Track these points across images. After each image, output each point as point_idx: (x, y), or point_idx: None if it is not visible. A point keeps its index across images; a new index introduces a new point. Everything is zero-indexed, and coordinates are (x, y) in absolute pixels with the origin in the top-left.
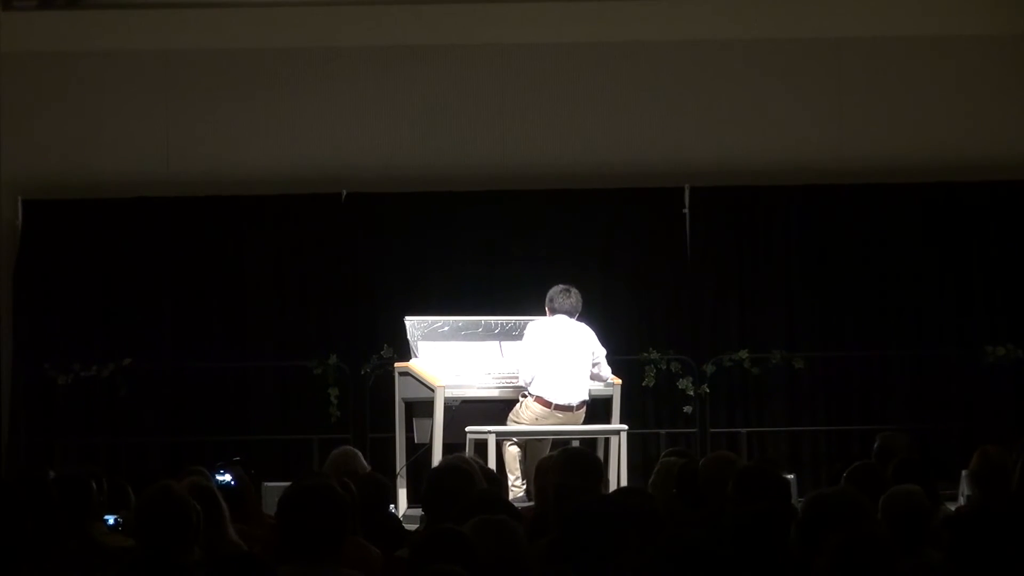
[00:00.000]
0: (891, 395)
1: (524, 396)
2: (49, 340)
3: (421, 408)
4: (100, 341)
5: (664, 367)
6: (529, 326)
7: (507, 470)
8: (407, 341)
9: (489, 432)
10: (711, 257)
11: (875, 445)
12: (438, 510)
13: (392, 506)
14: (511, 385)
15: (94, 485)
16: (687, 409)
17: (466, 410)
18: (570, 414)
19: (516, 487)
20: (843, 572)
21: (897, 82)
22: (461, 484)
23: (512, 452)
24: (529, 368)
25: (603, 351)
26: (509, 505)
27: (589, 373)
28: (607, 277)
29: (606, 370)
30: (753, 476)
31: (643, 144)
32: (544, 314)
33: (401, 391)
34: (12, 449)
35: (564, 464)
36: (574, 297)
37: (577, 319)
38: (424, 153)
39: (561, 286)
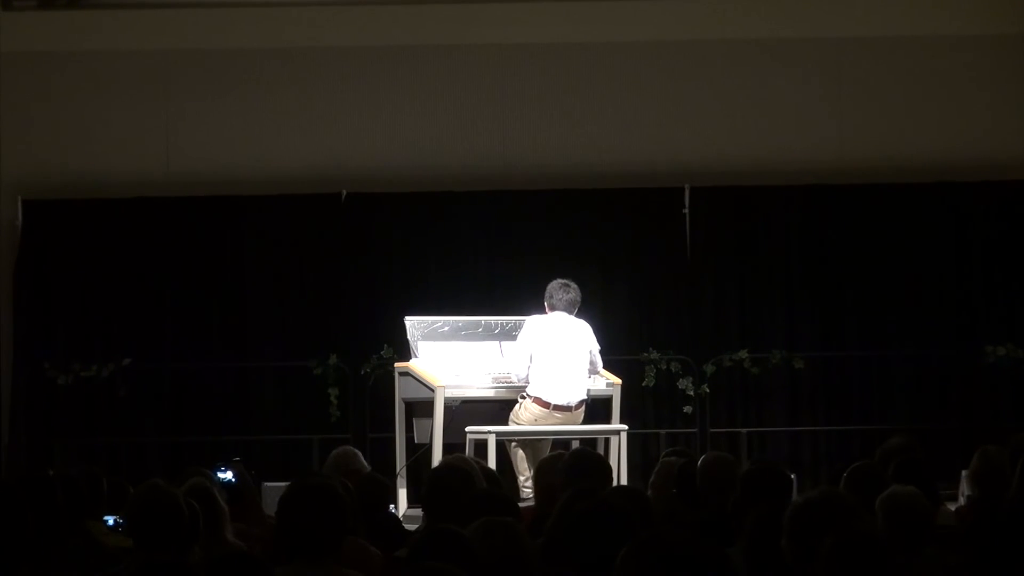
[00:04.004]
0: (891, 395)
1: (523, 397)
2: (49, 340)
3: (421, 408)
4: (100, 341)
5: (664, 367)
6: (526, 322)
7: (516, 472)
8: (407, 341)
9: (489, 432)
10: (711, 257)
11: (880, 447)
12: (438, 510)
13: (392, 506)
14: (511, 385)
15: (94, 484)
16: (687, 409)
17: (466, 410)
18: (569, 414)
19: (527, 488)
20: (841, 573)
21: (897, 82)
22: (461, 484)
23: (519, 454)
24: (520, 364)
25: (598, 347)
26: (509, 505)
27: (587, 372)
28: (607, 277)
29: (599, 364)
30: (759, 476)
31: (643, 144)
32: (542, 309)
33: (401, 391)
34: (12, 449)
35: (573, 466)
36: (573, 292)
37: (576, 315)
38: (424, 153)
39: (560, 280)
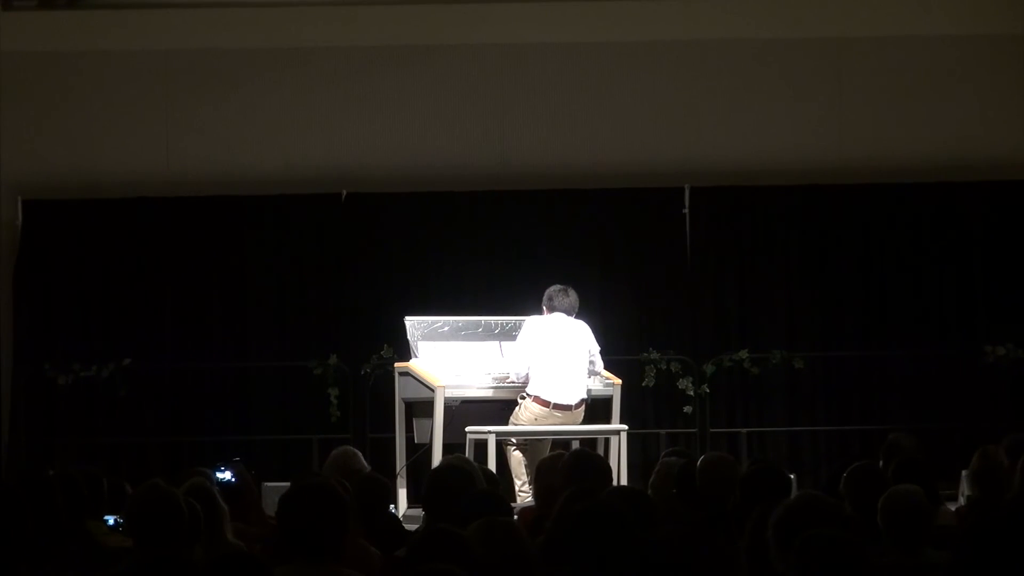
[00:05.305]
0: (891, 395)
1: (523, 397)
2: (49, 340)
3: (421, 408)
4: (100, 341)
5: (664, 367)
6: (526, 322)
7: (513, 475)
8: (407, 341)
9: (489, 432)
10: (711, 257)
11: (886, 443)
12: (438, 510)
13: (392, 506)
14: (511, 385)
15: (94, 484)
16: (687, 409)
17: (466, 410)
18: (568, 413)
19: (524, 492)
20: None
21: (897, 82)
22: (461, 484)
23: (516, 456)
24: (520, 363)
25: (598, 348)
26: (508, 506)
27: (587, 371)
28: (607, 277)
29: (600, 364)
30: (759, 476)
31: (643, 144)
32: (542, 310)
33: (401, 391)
34: (12, 449)
35: (573, 466)
36: (572, 297)
37: (575, 318)
38: (424, 153)
39: (559, 286)
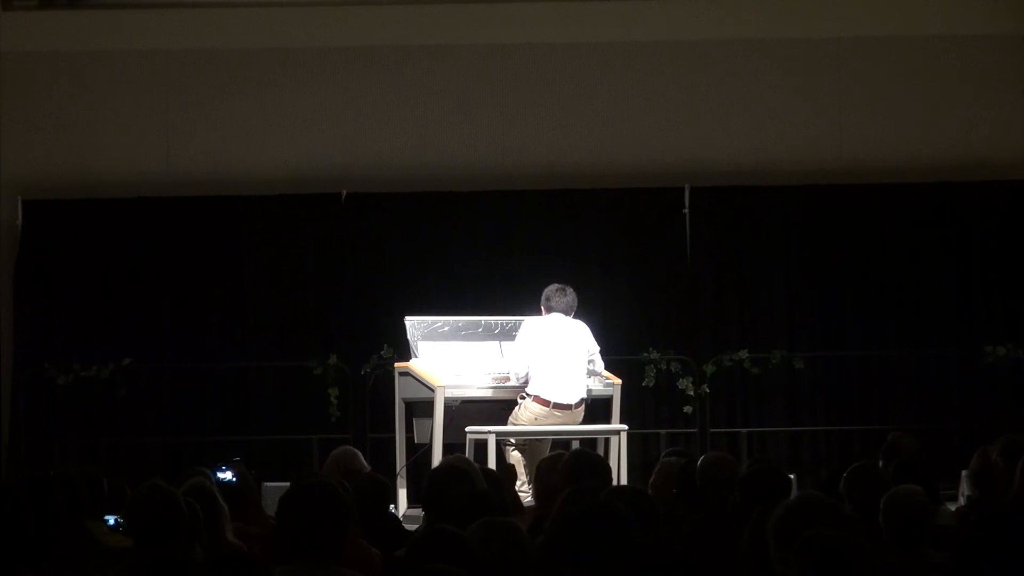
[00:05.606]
0: (891, 395)
1: (522, 397)
2: (49, 340)
3: (421, 408)
4: (100, 341)
5: (664, 367)
6: (523, 324)
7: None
8: (407, 341)
9: (489, 432)
10: (711, 257)
11: (884, 444)
12: (438, 510)
13: (392, 506)
14: (511, 385)
15: (94, 484)
16: (687, 409)
17: (466, 410)
18: (568, 412)
19: (523, 492)
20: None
21: (897, 82)
22: (461, 484)
23: (515, 456)
24: (520, 364)
25: (597, 348)
26: (508, 506)
27: (586, 370)
28: (607, 277)
29: (600, 365)
30: (758, 477)
31: (643, 144)
32: (540, 313)
33: (401, 391)
34: (12, 449)
35: (573, 466)
36: (570, 296)
37: (573, 318)
38: (424, 153)
39: (556, 285)
